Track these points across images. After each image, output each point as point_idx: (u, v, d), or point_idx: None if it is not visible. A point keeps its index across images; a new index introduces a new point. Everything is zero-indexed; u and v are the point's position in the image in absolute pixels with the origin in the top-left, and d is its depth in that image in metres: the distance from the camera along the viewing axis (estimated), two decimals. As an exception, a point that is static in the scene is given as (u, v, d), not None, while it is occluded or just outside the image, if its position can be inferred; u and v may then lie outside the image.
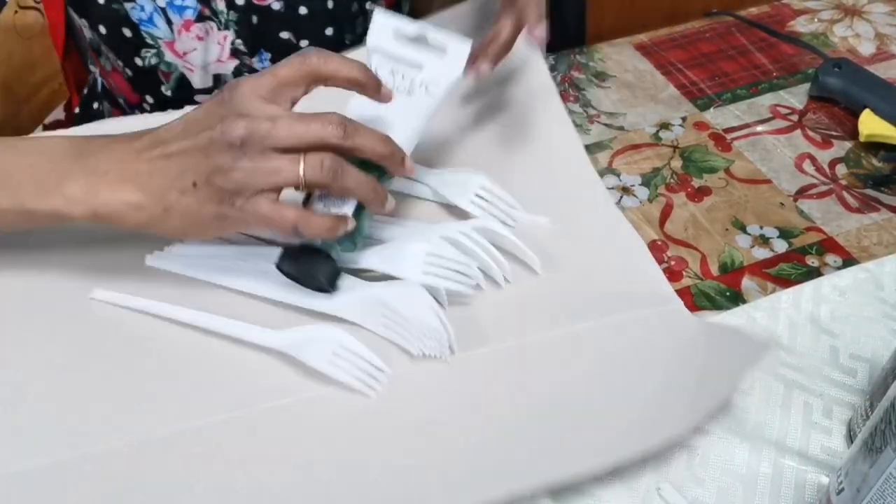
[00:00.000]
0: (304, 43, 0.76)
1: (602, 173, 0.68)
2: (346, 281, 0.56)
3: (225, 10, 0.72)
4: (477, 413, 0.51)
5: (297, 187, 0.49)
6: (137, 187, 0.49)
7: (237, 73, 0.78)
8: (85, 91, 0.88)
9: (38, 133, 0.93)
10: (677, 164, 0.70)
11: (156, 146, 0.50)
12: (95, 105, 0.87)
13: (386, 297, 0.54)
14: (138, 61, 0.75)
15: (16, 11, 0.87)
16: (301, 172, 0.48)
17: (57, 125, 0.93)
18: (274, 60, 0.77)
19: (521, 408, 0.51)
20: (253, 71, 0.78)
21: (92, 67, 0.85)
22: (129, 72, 0.77)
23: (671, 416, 0.50)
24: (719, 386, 0.51)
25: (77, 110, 0.88)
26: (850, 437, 0.51)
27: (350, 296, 0.55)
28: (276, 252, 0.56)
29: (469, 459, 0.49)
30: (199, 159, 0.48)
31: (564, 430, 0.50)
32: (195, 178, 0.48)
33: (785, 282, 0.60)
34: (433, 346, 0.53)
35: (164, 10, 0.71)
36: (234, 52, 0.75)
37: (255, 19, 0.74)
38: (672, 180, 0.69)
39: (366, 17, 0.79)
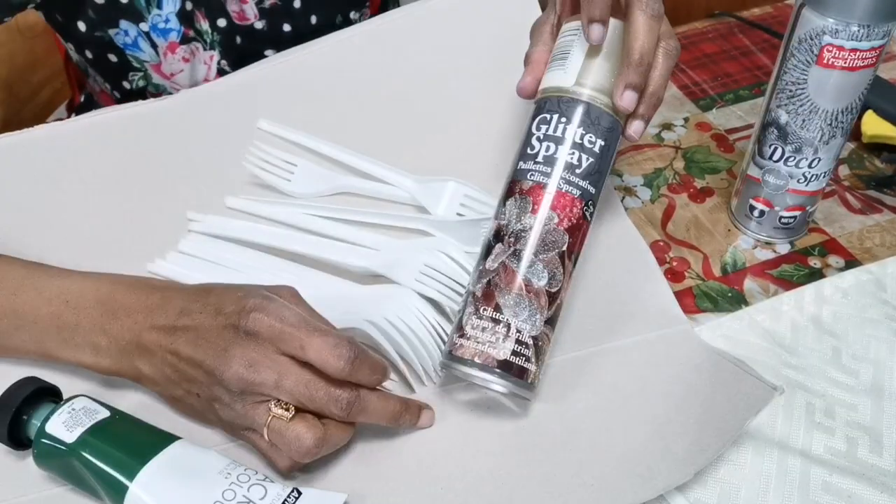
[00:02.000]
0: None
1: (604, 174, 0.68)
2: (340, 286, 0.56)
3: (209, 31, 0.72)
4: (476, 452, 0.50)
5: None
6: (152, 366, 0.49)
7: None
8: (82, 98, 0.88)
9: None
10: (679, 164, 0.70)
11: (169, 333, 0.48)
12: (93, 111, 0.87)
13: (379, 302, 0.54)
14: (126, 84, 0.75)
15: (18, 11, 0.87)
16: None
17: (59, 124, 0.93)
18: None
19: (521, 446, 0.50)
20: None
21: (87, 84, 0.85)
22: (117, 94, 0.77)
23: (675, 458, 0.48)
24: (725, 426, 0.49)
25: (74, 115, 0.88)
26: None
27: (345, 303, 0.55)
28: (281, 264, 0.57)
29: (467, 502, 0.47)
30: (202, 378, 0.47)
31: (567, 473, 0.48)
32: (199, 391, 0.48)
33: (787, 283, 0.60)
34: (420, 357, 0.53)
35: (147, 34, 0.71)
36: (221, 73, 0.75)
37: (238, 39, 0.74)
38: (674, 181, 0.68)
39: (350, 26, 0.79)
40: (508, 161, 0.60)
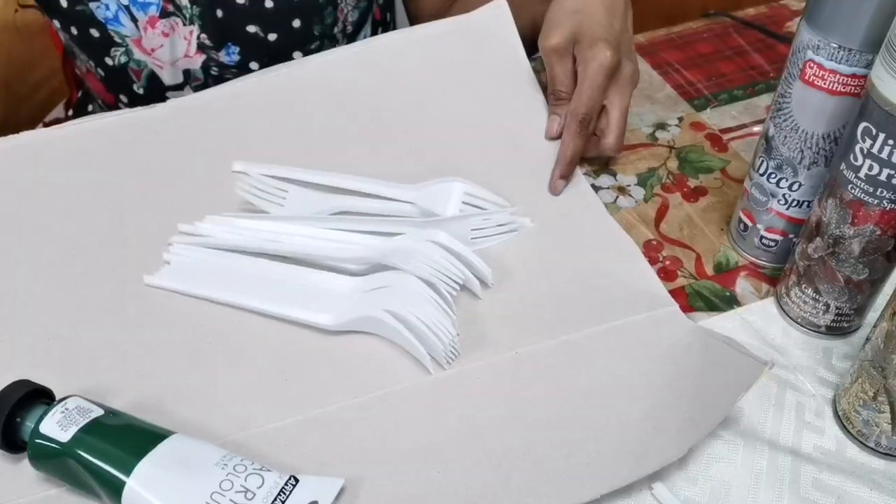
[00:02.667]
0: (271, 36, 0.76)
1: (598, 173, 0.69)
2: (342, 282, 0.57)
3: (189, 5, 0.72)
4: (472, 435, 0.50)
5: None
6: None
7: (205, 67, 0.77)
8: (79, 94, 0.88)
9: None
10: (673, 164, 0.70)
11: None
12: (90, 108, 0.87)
13: (385, 291, 0.55)
14: (108, 60, 0.75)
15: (16, 10, 0.87)
16: None
17: (56, 123, 0.93)
18: (242, 54, 0.76)
19: (516, 430, 0.50)
20: (220, 65, 0.77)
21: (78, 71, 0.86)
22: (101, 72, 0.77)
23: (668, 436, 0.49)
24: (716, 403, 0.50)
25: (71, 112, 0.89)
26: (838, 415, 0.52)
27: (354, 306, 0.55)
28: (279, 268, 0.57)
29: (465, 484, 0.48)
30: None
31: (561, 454, 0.49)
32: None
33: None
34: (432, 342, 0.53)
35: (127, 8, 0.71)
36: (201, 47, 0.75)
37: (219, 13, 0.74)
38: (668, 180, 0.69)
39: (335, 6, 0.78)
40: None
